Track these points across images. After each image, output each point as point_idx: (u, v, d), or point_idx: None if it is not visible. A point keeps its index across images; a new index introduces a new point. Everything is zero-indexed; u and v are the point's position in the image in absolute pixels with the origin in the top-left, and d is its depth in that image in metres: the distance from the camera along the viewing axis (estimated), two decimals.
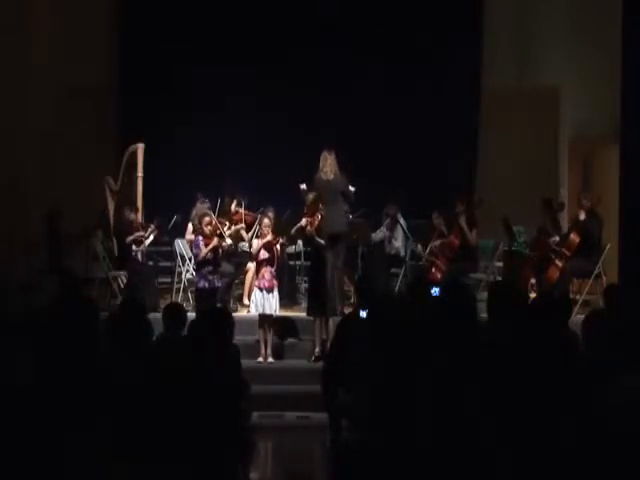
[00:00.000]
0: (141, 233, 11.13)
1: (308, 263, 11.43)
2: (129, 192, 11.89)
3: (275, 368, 9.42)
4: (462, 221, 11.09)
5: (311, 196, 9.71)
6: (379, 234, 11.88)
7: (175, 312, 6.36)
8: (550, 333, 4.94)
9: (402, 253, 11.69)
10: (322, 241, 9.65)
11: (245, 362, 6.66)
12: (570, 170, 13.18)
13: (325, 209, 9.80)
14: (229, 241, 10.58)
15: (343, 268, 10.12)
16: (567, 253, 10.54)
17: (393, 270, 11.62)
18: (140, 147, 11.85)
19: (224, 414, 5.17)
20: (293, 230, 10.00)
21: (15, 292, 9.40)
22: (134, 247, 11.06)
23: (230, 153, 12.83)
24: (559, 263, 10.54)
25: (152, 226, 11.24)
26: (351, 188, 10.05)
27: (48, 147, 12.55)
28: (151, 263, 11.68)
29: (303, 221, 9.75)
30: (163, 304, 10.25)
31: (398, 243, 11.80)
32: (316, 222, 9.67)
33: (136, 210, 11.53)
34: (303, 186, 10.02)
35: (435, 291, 6.06)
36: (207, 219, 10.01)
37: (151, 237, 11.23)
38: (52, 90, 12.64)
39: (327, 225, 9.73)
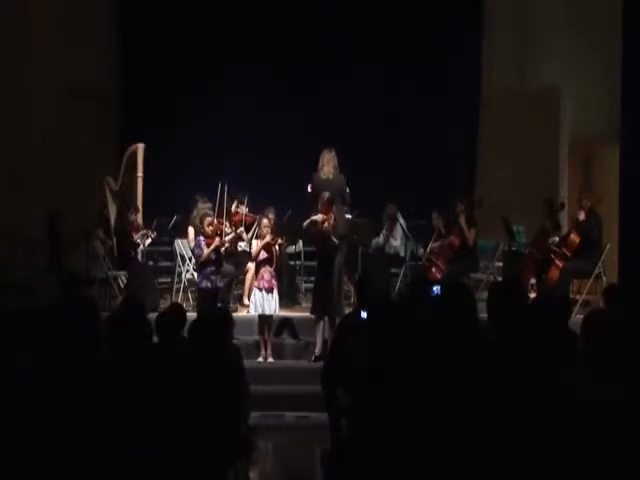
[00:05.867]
0: (141, 234, 11.14)
1: (309, 263, 11.43)
2: (129, 192, 11.89)
3: (275, 368, 9.41)
4: (462, 221, 11.09)
5: (326, 194, 9.55)
6: (380, 238, 11.86)
7: (175, 313, 6.35)
8: (550, 333, 4.94)
9: (402, 253, 11.69)
10: (336, 241, 9.54)
11: (245, 362, 6.65)
12: (570, 170, 13.18)
13: None
14: (229, 237, 10.57)
15: (343, 268, 10.10)
16: (567, 253, 10.55)
17: (393, 270, 11.61)
18: (140, 147, 11.85)
19: (224, 414, 5.17)
20: (305, 222, 9.66)
21: (15, 292, 9.40)
22: (132, 251, 11.10)
23: (230, 153, 12.83)
24: (559, 263, 10.55)
25: (150, 232, 11.22)
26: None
27: (48, 147, 12.56)
28: (151, 263, 11.68)
29: (319, 216, 9.50)
30: (163, 304, 10.29)
31: (397, 242, 11.79)
32: (331, 221, 9.51)
33: (136, 210, 11.53)
34: (309, 188, 9.96)
35: (436, 289, 6.05)
36: (208, 219, 10.01)
37: (149, 240, 11.24)
38: (52, 90, 12.65)
39: (336, 226, 9.66)
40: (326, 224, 9.47)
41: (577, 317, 7.40)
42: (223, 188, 11.02)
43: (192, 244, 10.46)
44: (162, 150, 12.45)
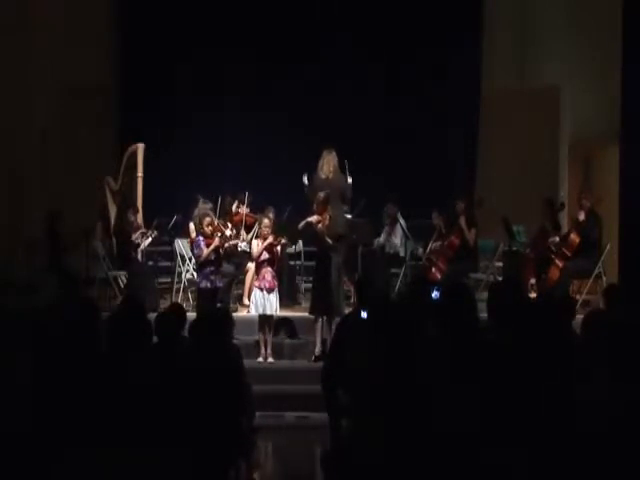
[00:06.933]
0: (140, 237, 11.13)
1: (309, 263, 11.43)
2: (129, 192, 11.89)
3: (275, 368, 9.41)
4: (462, 221, 11.09)
5: (322, 195, 9.59)
6: (382, 238, 11.86)
7: (175, 313, 6.35)
8: (550, 333, 4.94)
9: (401, 253, 11.68)
10: (331, 241, 9.56)
11: (245, 362, 6.66)
12: (570, 170, 13.19)
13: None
14: (229, 232, 10.57)
15: (343, 268, 10.10)
16: (567, 253, 10.55)
17: (393, 270, 11.61)
18: (140, 147, 11.84)
19: (224, 414, 5.17)
20: (301, 224, 9.73)
21: (15, 292, 9.40)
22: (132, 251, 11.10)
23: (230, 153, 12.84)
24: (559, 263, 10.55)
25: (150, 232, 11.21)
26: (349, 180, 10.01)
27: (48, 147, 12.56)
28: (151, 263, 11.68)
29: (314, 217, 9.53)
30: (163, 304, 10.29)
31: (397, 240, 11.79)
32: (326, 222, 9.54)
33: (136, 211, 11.52)
34: (305, 180, 9.96)
35: (435, 294, 6.03)
36: (208, 219, 10.00)
37: (149, 240, 11.23)
38: (52, 90, 12.65)
39: (332, 225, 9.68)
40: (320, 225, 9.50)
41: (577, 317, 7.39)
42: (224, 199, 11.14)
43: (193, 235, 10.49)
44: (162, 150, 12.45)
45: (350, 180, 9.98)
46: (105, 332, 4.58)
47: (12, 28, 11.86)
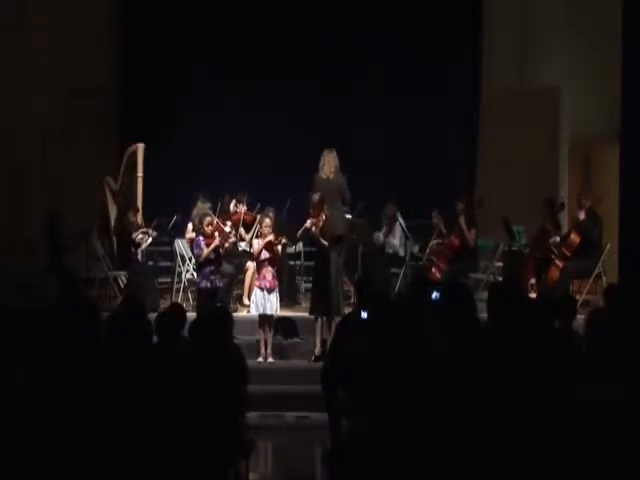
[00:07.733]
0: (141, 236, 11.13)
1: (309, 263, 11.43)
2: (129, 192, 11.89)
3: (275, 368, 9.41)
4: (462, 221, 11.09)
5: (316, 197, 9.61)
6: (382, 232, 11.87)
7: (175, 313, 6.35)
8: (550, 333, 4.94)
9: (401, 253, 11.68)
10: (326, 243, 9.57)
11: None
12: (570, 170, 13.19)
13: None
14: (232, 238, 10.58)
15: (343, 268, 10.11)
16: (567, 253, 10.55)
17: (393, 270, 11.61)
18: (140, 147, 11.85)
19: (225, 414, 5.17)
20: (299, 233, 9.82)
21: (15, 292, 9.39)
22: (132, 249, 11.10)
23: (230, 153, 12.84)
24: (559, 263, 10.56)
25: (150, 232, 11.21)
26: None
27: (48, 147, 12.56)
28: (151, 263, 11.68)
29: (308, 222, 9.59)
30: (163, 304, 10.29)
31: (395, 241, 11.79)
32: (320, 223, 9.55)
33: (136, 211, 11.53)
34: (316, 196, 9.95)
35: (435, 295, 6.03)
36: (208, 219, 10.01)
37: (149, 240, 11.24)
38: (52, 90, 12.66)
39: (329, 226, 9.68)
40: (313, 229, 9.52)
41: (577, 317, 7.39)
42: (224, 199, 11.18)
43: (191, 235, 10.46)
44: (162, 150, 12.45)
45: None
46: (105, 332, 4.58)
47: (12, 28, 11.86)
